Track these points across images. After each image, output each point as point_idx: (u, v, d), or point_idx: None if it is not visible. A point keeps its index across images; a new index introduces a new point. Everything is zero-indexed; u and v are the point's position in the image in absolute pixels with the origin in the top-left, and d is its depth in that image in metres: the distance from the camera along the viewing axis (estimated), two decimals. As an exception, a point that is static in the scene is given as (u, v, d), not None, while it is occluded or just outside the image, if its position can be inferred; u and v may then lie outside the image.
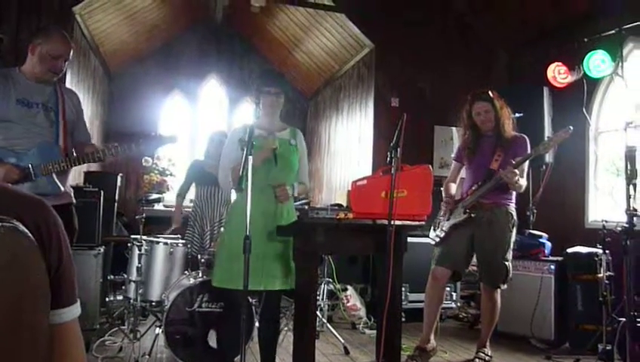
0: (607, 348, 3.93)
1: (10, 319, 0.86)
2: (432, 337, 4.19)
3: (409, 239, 3.29)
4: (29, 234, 0.91)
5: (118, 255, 5.36)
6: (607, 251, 4.32)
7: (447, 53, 7.14)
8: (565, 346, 4.83)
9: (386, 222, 2.90)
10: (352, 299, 5.71)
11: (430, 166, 3.25)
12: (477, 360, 4.15)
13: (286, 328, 4.56)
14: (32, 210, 0.97)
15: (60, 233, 1.00)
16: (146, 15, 7.83)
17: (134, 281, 4.15)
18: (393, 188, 2.92)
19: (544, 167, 5.60)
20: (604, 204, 5.74)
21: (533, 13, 6.51)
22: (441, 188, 4.32)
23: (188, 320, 3.81)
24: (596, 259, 4.55)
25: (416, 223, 3.17)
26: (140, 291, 4.14)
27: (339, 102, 8.63)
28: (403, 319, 3.54)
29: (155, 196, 4.88)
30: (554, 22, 6.18)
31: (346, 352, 4.49)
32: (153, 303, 4.28)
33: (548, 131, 5.55)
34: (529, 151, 4.03)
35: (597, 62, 5.48)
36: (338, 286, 5.66)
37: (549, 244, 5.21)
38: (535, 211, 5.68)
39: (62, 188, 3.05)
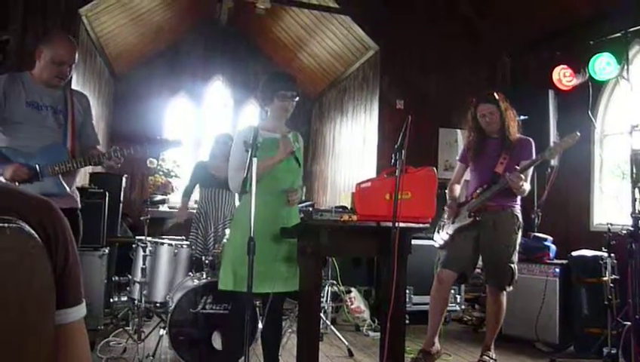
0: (612, 351, 3.93)
1: (15, 320, 0.86)
2: (436, 340, 4.17)
3: (413, 241, 3.29)
4: (35, 235, 0.91)
5: (123, 256, 5.38)
6: (612, 254, 4.31)
7: (452, 56, 7.14)
8: (570, 349, 4.81)
9: (390, 224, 2.90)
10: (356, 301, 5.70)
11: (434, 168, 3.24)
12: (481, 363, 4.14)
13: (290, 330, 4.55)
14: (39, 210, 0.97)
15: (67, 233, 1.01)
16: (152, 17, 7.85)
17: (139, 282, 4.17)
18: (397, 190, 2.92)
19: (549, 169, 5.58)
20: (610, 207, 5.72)
21: (539, 16, 6.49)
22: (446, 191, 4.32)
23: (192, 322, 3.81)
24: (601, 262, 4.53)
25: (421, 225, 3.16)
26: (145, 292, 4.15)
27: (343, 104, 8.63)
28: (407, 321, 3.53)
29: (159, 197, 4.90)
30: (559, 24, 6.17)
31: (350, 354, 4.48)
32: (157, 304, 4.29)
33: (553, 134, 5.54)
34: (534, 153, 4.02)
35: (602, 64, 5.47)
36: (342, 288, 5.66)
37: (553, 247, 5.19)
38: (540, 214, 5.67)
39: (68, 190, 3.09)
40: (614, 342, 3.94)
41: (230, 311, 3.73)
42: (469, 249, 4.08)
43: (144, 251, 4.21)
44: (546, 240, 5.22)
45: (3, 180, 2.91)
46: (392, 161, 3.03)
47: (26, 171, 2.97)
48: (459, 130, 6.82)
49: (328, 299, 5.29)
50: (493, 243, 4.01)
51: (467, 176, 4.38)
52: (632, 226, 3.67)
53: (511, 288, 4.08)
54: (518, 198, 4.09)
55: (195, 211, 5.05)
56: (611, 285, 4.19)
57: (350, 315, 5.66)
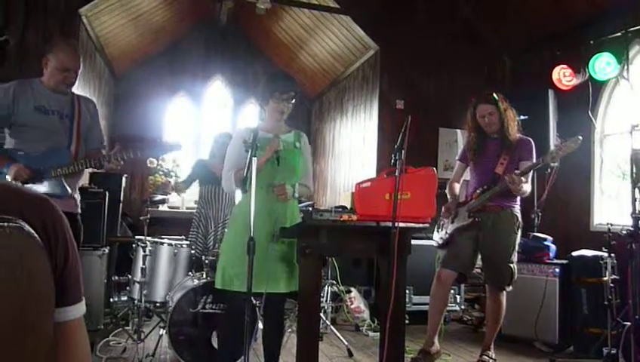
0: (612, 351, 3.93)
1: (15, 318, 0.86)
2: (435, 340, 4.18)
3: (413, 241, 3.28)
4: (35, 235, 0.91)
5: (123, 255, 5.39)
6: (612, 254, 4.31)
7: (452, 56, 7.13)
8: (570, 349, 4.82)
9: (390, 224, 2.90)
10: (356, 301, 5.71)
11: (434, 168, 3.24)
12: (481, 362, 4.15)
13: (290, 329, 4.56)
14: (38, 209, 0.98)
15: (66, 232, 1.01)
16: (152, 17, 7.85)
17: (138, 282, 4.17)
18: (397, 190, 2.92)
19: (549, 170, 5.57)
20: (610, 207, 5.72)
21: (539, 16, 6.49)
22: (445, 191, 4.32)
23: (192, 322, 3.82)
24: (601, 262, 4.54)
25: (421, 225, 3.16)
26: (144, 292, 4.15)
27: (343, 104, 8.63)
28: (407, 321, 3.52)
29: (159, 197, 4.89)
30: (559, 24, 6.17)
31: (350, 354, 4.49)
32: (157, 304, 4.30)
33: (553, 134, 5.54)
34: (534, 153, 4.02)
35: (602, 64, 5.47)
36: (342, 288, 5.66)
37: (553, 247, 5.19)
38: (540, 214, 5.66)
39: (69, 191, 3.18)
40: (614, 342, 3.94)
41: (226, 310, 3.73)
42: (468, 249, 4.08)
43: (144, 251, 4.21)
44: (545, 240, 5.22)
45: (7, 179, 3.04)
46: (392, 160, 3.02)
47: (28, 172, 3.08)
48: (459, 130, 6.83)
49: (328, 298, 5.30)
50: (492, 243, 4.02)
51: (466, 175, 4.38)
52: (632, 226, 3.67)
53: (510, 288, 4.08)
54: (518, 198, 4.10)
55: (194, 211, 5.05)
56: (611, 285, 4.19)
57: (350, 315, 5.67)
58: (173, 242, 4.41)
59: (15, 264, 0.86)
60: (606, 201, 5.80)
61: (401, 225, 2.92)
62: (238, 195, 3.51)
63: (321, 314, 4.67)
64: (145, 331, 4.21)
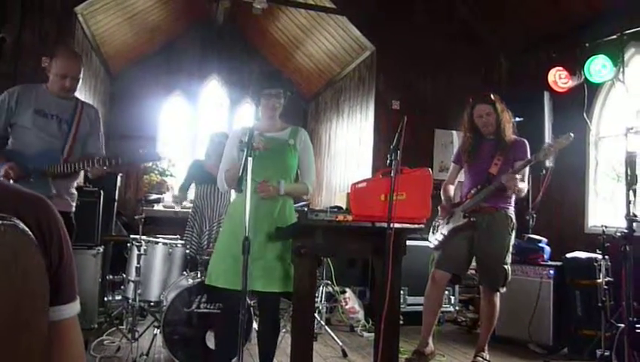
0: (606, 353, 3.93)
1: (9, 316, 0.86)
2: (430, 340, 4.18)
3: (408, 242, 3.29)
4: (29, 233, 0.91)
5: (118, 255, 5.37)
6: (606, 257, 4.33)
7: (449, 57, 7.14)
8: (563, 351, 4.83)
9: (385, 224, 2.90)
10: (351, 301, 5.71)
11: (430, 169, 3.25)
12: (475, 364, 4.15)
13: (284, 330, 4.55)
14: (33, 207, 0.97)
15: (61, 230, 1.01)
16: (148, 16, 7.83)
17: (133, 281, 4.16)
18: (393, 190, 2.92)
19: (544, 171, 5.59)
20: (604, 210, 5.74)
21: (535, 18, 6.51)
22: (440, 192, 4.32)
23: (186, 321, 3.82)
24: (595, 264, 4.55)
25: (416, 226, 3.17)
26: (139, 291, 4.14)
27: (339, 104, 8.63)
28: (401, 322, 3.53)
29: (154, 196, 4.89)
30: (555, 26, 6.19)
31: (344, 355, 4.49)
32: (152, 303, 4.29)
33: (548, 136, 5.55)
34: (529, 154, 4.04)
35: (598, 67, 5.48)
36: (337, 288, 5.66)
37: (548, 249, 5.21)
38: (535, 216, 5.68)
39: (53, 191, 3.28)
40: (608, 344, 3.95)
41: (220, 309, 3.73)
42: (463, 250, 4.09)
43: (138, 250, 4.20)
44: (540, 241, 5.23)
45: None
46: (388, 161, 3.03)
47: (16, 170, 3.21)
48: (454, 132, 6.83)
49: (323, 299, 5.30)
50: (486, 244, 4.03)
51: (461, 177, 4.39)
52: (627, 228, 3.68)
53: (504, 289, 4.10)
54: (512, 200, 4.11)
55: (190, 210, 5.04)
56: (605, 287, 4.20)
57: (344, 315, 5.67)
58: (168, 241, 4.41)
59: (9, 262, 0.86)
60: (600, 203, 5.82)
61: (397, 225, 2.93)
62: (234, 195, 3.50)
63: (316, 315, 4.68)
64: (139, 330, 4.19)
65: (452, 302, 5.93)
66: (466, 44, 7.23)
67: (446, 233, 4.14)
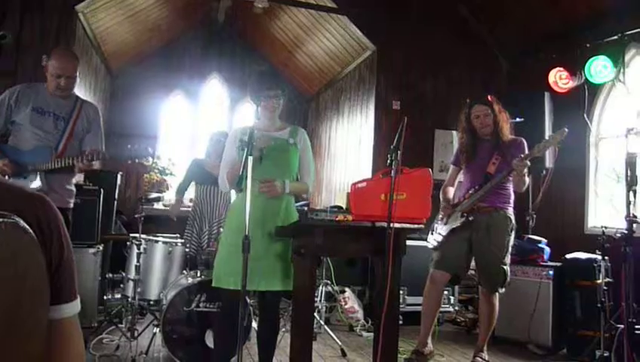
0: (605, 354, 3.93)
1: (10, 315, 0.86)
2: (429, 341, 4.18)
3: (408, 242, 3.28)
4: (30, 231, 0.91)
5: (117, 253, 5.36)
6: (606, 257, 4.32)
7: (449, 57, 7.15)
8: (563, 352, 4.82)
9: (385, 224, 2.90)
10: (350, 301, 5.70)
11: (430, 169, 3.25)
12: (474, 364, 4.15)
13: (283, 329, 4.55)
14: (33, 205, 0.97)
15: (61, 228, 1.00)
16: (148, 15, 7.83)
17: (133, 280, 4.15)
18: (393, 190, 2.92)
19: (544, 172, 5.59)
20: (604, 210, 5.74)
21: (536, 19, 6.51)
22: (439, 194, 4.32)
23: (185, 320, 3.81)
24: (595, 265, 4.55)
25: (416, 226, 3.17)
26: (139, 290, 4.14)
27: (340, 104, 8.63)
28: (401, 322, 3.53)
29: (154, 195, 4.88)
30: (556, 27, 6.19)
31: (343, 354, 4.48)
32: (151, 302, 4.29)
33: (548, 136, 5.54)
34: (527, 151, 4.02)
35: (599, 67, 5.48)
36: (336, 288, 5.66)
37: (548, 250, 5.20)
38: (535, 216, 5.68)
39: (44, 186, 3.36)
40: (607, 344, 3.95)
41: (220, 308, 3.73)
42: (461, 250, 4.09)
43: (138, 249, 4.20)
44: (540, 242, 5.23)
45: None
46: (388, 161, 3.03)
47: (11, 166, 3.31)
48: (454, 132, 6.81)
49: (322, 298, 5.29)
50: (485, 244, 4.02)
51: (460, 178, 4.38)
52: (626, 229, 3.68)
53: (503, 290, 4.10)
54: (511, 200, 4.11)
55: (190, 209, 5.03)
56: (605, 288, 4.20)
57: (344, 315, 5.66)
58: (168, 240, 4.40)
59: (10, 260, 0.86)
60: (601, 204, 5.82)
61: (397, 225, 2.93)
62: (234, 194, 3.50)
63: (315, 314, 4.67)
64: (138, 329, 4.19)
65: (451, 302, 5.93)
66: (467, 45, 7.23)
67: (445, 233, 4.14)
